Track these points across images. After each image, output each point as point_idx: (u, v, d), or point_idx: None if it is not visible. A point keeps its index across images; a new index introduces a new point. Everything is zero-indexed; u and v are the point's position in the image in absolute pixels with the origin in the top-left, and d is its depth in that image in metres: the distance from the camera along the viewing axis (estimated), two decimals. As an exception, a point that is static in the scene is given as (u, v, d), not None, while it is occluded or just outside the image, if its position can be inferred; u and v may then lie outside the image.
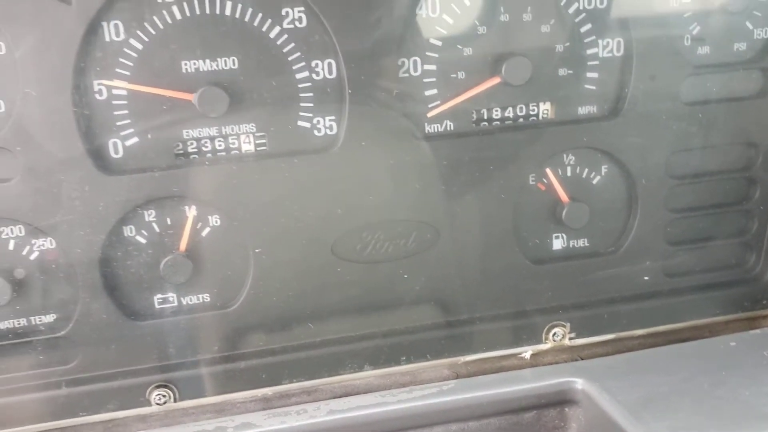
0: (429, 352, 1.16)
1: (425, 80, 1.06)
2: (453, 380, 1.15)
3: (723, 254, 1.25)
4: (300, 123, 1.04)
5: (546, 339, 1.19)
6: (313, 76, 1.02)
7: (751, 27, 1.12)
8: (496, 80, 1.06)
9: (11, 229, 1.01)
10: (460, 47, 1.05)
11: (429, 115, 1.07)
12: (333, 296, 1.11)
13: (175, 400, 1.09)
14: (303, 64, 1.02)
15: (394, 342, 1.15)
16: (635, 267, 1.20)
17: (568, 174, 1.15)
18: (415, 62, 1.04)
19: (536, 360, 1.19)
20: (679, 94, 1.12)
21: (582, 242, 1.18)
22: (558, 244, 1.17)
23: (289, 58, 1.01)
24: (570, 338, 1.19)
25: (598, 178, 1.16)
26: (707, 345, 1.20)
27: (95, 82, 0.96)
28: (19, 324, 1.04)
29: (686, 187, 1.18)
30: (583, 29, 1.07)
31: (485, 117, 1.09)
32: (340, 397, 1.12)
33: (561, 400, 1.13)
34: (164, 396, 1.08)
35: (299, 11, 0.99)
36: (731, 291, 1.25)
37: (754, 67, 1.15)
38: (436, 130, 1.08)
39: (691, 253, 1.22)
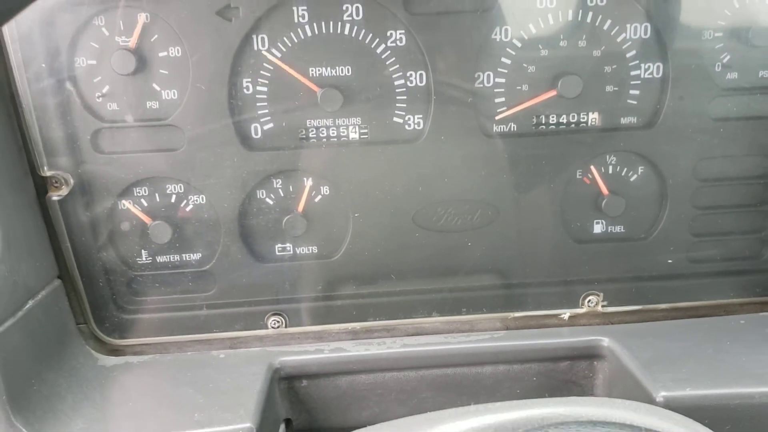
0: (485, 306, 1.41)
1: (495, 90, 1.29)
2: (503, 331, 1.40)
3: (740, 246, 1.42)
4: (395, 119, 1.30)
5: (582, 304, 1.42)
6: (407, 83, 1.28)
7: (775, 58, 1.32)
8: (552, 93, 1.29)
9: (174, 186, 1.31)
10: (525, 65, 1.28)
11: (497, 118, 1.31)
12: (411, 256, 1.38)
13: (285, 326, 1.40)
14: (400, 73, 1.27)
15: (457, 296, 1.40)
16: (662, 252, 1.40)
17: (610, 172, 1.36)
18: (488, 75, 1.28)
19: (573, 321, 1.42)
20: (708, 111, 1.31)
21: (618, 228, 1.39)
22: (598, 228, 1.39)
23: (390, 69, 1.27)
24: (602, 305, 1.42)
25: (634, 176, 1.36)
26: (720, 321, 1.41)
27: (245, 81, 1.27)
28: (175, 258, 1.36)
29: (710, 189, 1.37)
30: (628, 55, 1.28)
31: (543, 122, 1.32)
32: (413, 335, 1.40)
33: (590, 354, 1.36)
34: (278, 322, 1.39)
35: (400, 33, 1.25)
36: (746, 278, 1.43)
37: (778, 91, 1.34)
38: (502, 130, 1.32)
39: (712, 243, 1.41)
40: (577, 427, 0.76)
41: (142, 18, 1.21)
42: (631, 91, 1.31)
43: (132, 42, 1.22)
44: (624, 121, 1.33)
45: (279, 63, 1.25)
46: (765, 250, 1.44)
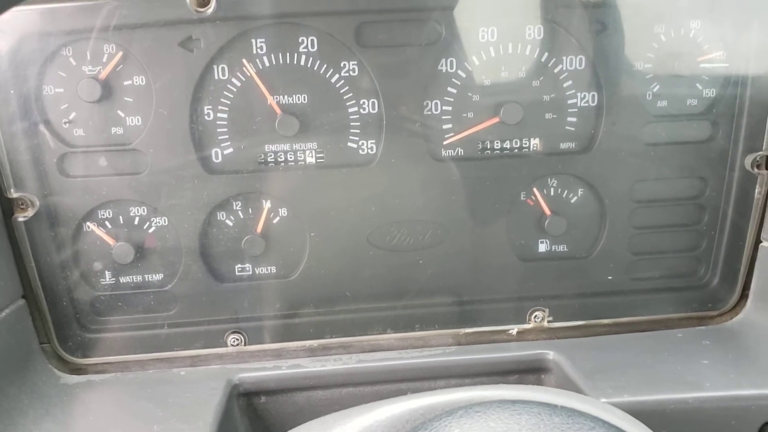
0: (437, 322, 1.47)
1: (443, 117, 1.37)
2: (455, 346, 1.46)
3: (677, 264, 1.51)
4: (349, 144, 1.38)
5: (529, 320, 1.49)
6: (361, 110, 1.36)
7: (701, 87, 1.41)
8: (495, 120, 1.37)
9: (137, 209, 1.37)
10: (470, 94, 1.37)
11: (445, 143, 1.39)
12: (366, 274, 1.44)
13: (245, 344, 1.44)
14: (354, 101, 1.35)
15: (410, 313, 1.46)
16: (603, 270, 1.48)
17: (551, 194, 1.44)
18: (436, 104, 1.37)
19: (521, 336, 1.49)
20: (641, 137, 1.41)
21: (562, 247, 1.47)
22: (543, 247, 1.47)
23: (344, 97, 1.35)
24: (548, 321, 1.49)
25: (575, 198, 1.45)
26: (660, 335, 1.49)
27: (206, 108, 1.33)
28: (138, 279, 1.40)
29: (647, 210, 1.46)
30: (565, 85, 1.38)
31: (488, 147, 1.40)
32: (368, 352, 1.45)
33: (537, 367, 1.42)
34: (237, 340, 1.43)
35: (353, 64, 1.33)
36: (683, 294, 1.52)
37: (704, 119, 1.42)
38: (450, 155, 1.40)
39: (650, 262, 1.49)
40: (499, 406, 0.82)
41: (109, 49, 1.28)
42: (569, 119, 1.40)
43: (103, 74, 1.29)
44: (563, 146, 1.42)
45: (238, 91, 1.33)
46: (700, 267, 1.52)
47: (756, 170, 1.44)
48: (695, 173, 1.46)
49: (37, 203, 1.33)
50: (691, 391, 1.25)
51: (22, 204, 1.33)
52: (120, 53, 1.29)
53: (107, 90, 1.30)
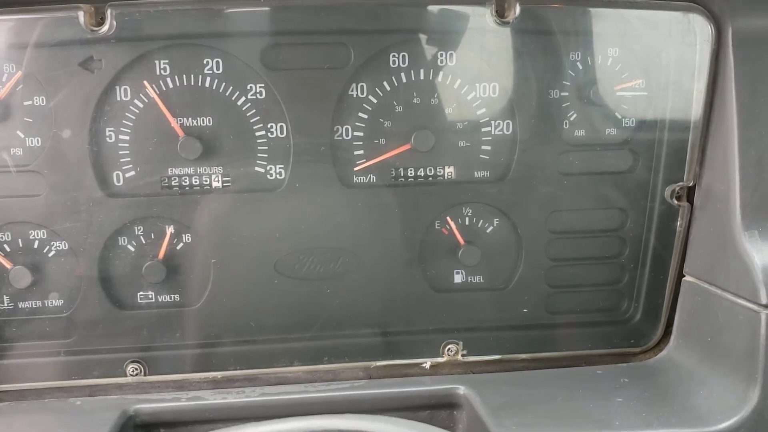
0: (347, 354, 1.42)
1: (354, 143, 1.35)
2: (365, 380, 1.42)
3: (598, 298, 1.47)
4: (257, 168, 1.34)
5: (442, 353, 1.44)
6: (268, 134, 1.33)
7: (620, 116, 1.38)
8: (407, 147, 1.34)
9: (36, 232, 1.33)
10: (381, 120, 1.34)
11: (356, 169, 1.36)
12: (273, 304, 1.39)
13: (145, 374, 1.39)
14: (261, 125, 1.32)
15: (318, 345, 1.42)
16: (520, 302, 1.44)
17: (466, 222, 1.41)
18: (347, 129, 1.34)
19: (436, 370, 1.44)
20: (557, 166, 1.38)
21: (478, 278, 1.43)
22: (458, 278, 1.43)
23: (251, 120, 1.32)
24: (462, 354, 1.44)
25: (490, 227, 1.41)
26: (579, 371, 1.45)
27: (107, 129, 1.30)
28: (35, 304, 1.35)
29: (564, 241, 1.43)
30: (478, 112, 1.35)
31: (401, 174, 1.37)
32: (274, 384, 1.41)
33: (449, 402, 1.37)
34: (137, 369, 1.38)
35: (260, 86, 1.31)
36: (605, 329, 1.48)
37: (623, 149, 1.40)
38: (362, 181, 1.36)
39: (569, 294, 1.46)
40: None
41: (9, 68, 1.25)
42: (483, 147, 1.38)
43: (2, 93, 1.26)
44: (477, 174, 1.39)
45: (140, 113, 1.30)
46: (622, 302, 1.49)
47: (676, 202, 1.41)
48: (615, 204, 1.43)
49: (-70, 224, 1.29)
50: (598, 430, 1.20)
51: None
52: (19, 72, 1.26)
53: (6, 109, 1.27)
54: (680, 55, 1.36)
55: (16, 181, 1.30)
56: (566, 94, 1.37)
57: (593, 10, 1.33)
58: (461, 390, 1.36)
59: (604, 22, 1.35)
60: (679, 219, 1.42)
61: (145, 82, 1.28)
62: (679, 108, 1.38)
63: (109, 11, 1.23)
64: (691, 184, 1.40)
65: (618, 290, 1.48)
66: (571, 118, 1.38)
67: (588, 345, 1.48)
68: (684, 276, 1.43)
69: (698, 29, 1.33)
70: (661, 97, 1.39)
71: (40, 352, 1.37)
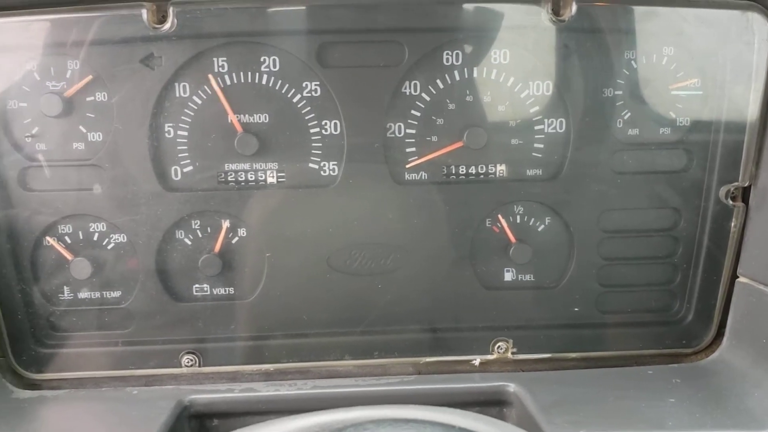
0: (397, 350, 1.43)
1: (406, 140, 1.36)
2: (414, 375, 1.42)
3: (650, 298, 1.46)
4: (311, 165, 1.36)
5: (492, 351, 1.44)
6: (322, 131, 1.35)
7: (674, 116, 1.37)
8: (459, 144, 1.35)
9: (96, 224, 1.37)
10: (434, 118, 1.35)
11: (408, 166, 1.37)
12: (325, 298, 1.41)
13: (199, 365, 1.42)
14: (315, 122, 1.34)
15: (369, 339, 1.43)
16: (571, 301, 1.44)
17: (517, 221, 1.41)
18: (399, 126, 1.35)
19: (485, 368, 1.44)
20: (610, 164, 1.37)
21: (528, 276, 1.43)
22: (509, 276, 1.44)
23: (306, 118, 1.34)
24: (512, 352, 1.44)
25: (541, 226, 1.41)
26: (629, 371, 1.43)
27: (166, 125, 1.33)
28: (94, 295, 1.40)
29: (616, 240, 1.42)
30: (531, 110, 1.35)
31: (453, 171, 1.38)
32: (325, 378, 1.42)
33: (498, 400, 1.37)
34: (191, 360, 1.41)
35: (315, 84, 1.32)
36: (656, 329, 1.47)
37: (678, 148, 1.39)
38: (413, 178, 1.37)
39: (621, 294, 1.45)
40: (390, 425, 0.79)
41: (72, 65, 1.29)
42: (536, 145, 1.37)
43: (67, 90, 1.29)
44: (530, 172, 1.39)
45: (199, 109, 1.32)
46: (674, 302, 1.47)
47: (731, 202, 1.39)
48: (668, 204, 1.42)
49: (-4, 216, 1.33)
50: (650, 429, 1.20)
51: (-20, 216, 1.33)
52: (83, 69, 1.29)
53: (69, 105, 1.30)
54: (737, 54, 1.34)
55: (78, 174, 1.34)
56: (620, 92, 1.36)
57: (649, 9, 1.32)
58: (511, 387, 1.36)
59: (659, 20, 1.33)
60: (733, 219, 1.40)
61: (210, 76, 1.30)
62: (735, 107, 1.37)
63: (171, 9, 1.26)
64: (746, 185, 1.39)
65: (670, 290, 1.46)
66: (625, 117, 1.37)
67: (639, 345, 1.47)
68: (738, 277, 1.41)
69: (757, 28, 1.32)
70: (717, 97, 1.37)
71: (98, 342, 1.41)
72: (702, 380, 1.39)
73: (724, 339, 1.45)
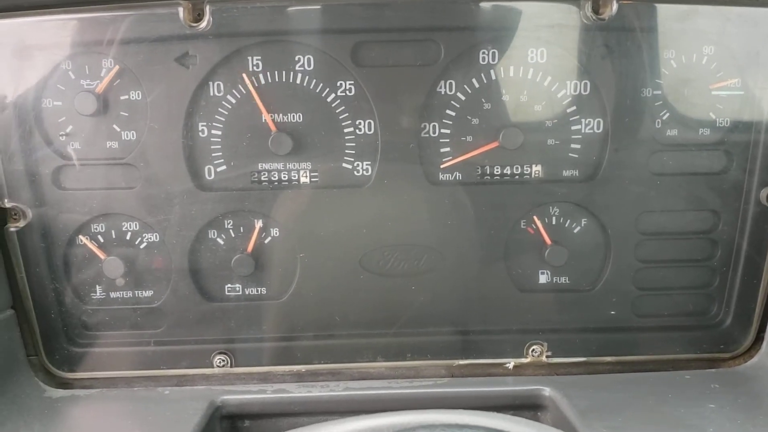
0: (429, 352, 1.42)
1: (441, 140, 1.34)
2: (447, 378, 1.41)
3: (688, 301, 1.43)
4: (344, 165, 1.35)
5: (526, 354, 1.42)
6: (356, 131, 1.34)
7: (714, 116, 1.35)
8: (495, 144, 1.34)
9: (129, 224, 1.37)
10: (469, 117, 1.33)
11: (442, 167, 1.35)
12: (357, 299, 1.40)
13: (231, 366, 1.41)
14: (349, 121, 1.33)
15: (401, 341, 1.42)
16: (607, 304, 1.42)
17: (553, 222, 1.39)
18: (434, 126, 1.34)
19: (519, 371, 1.42)
20: (648, 166, 1.35)
21: (563, 279, 1.41)
22: (543, 278, 1.42)
23: (340, 117, 1.33)
24: (547, 356, 1.42)
25: (577, 228, 1.39)
26: (666, 375, 1.41)
27: (200, 124, 1.33)
28: (126, 294, 1.40)
29: (654, 242, 1.39)
30: (568, 110, 1.33)
31: (488, 172, 1.36)
32: (357, 379, 1.41)
33: (533, 404, 1.36)
34: (223, 361, 1.41)
35: (350, 83, 1.31)
36: (693, 334, 1.44)
37: (717, 149, 1.36)
38: (447, 179, 1.36)
39: (657, 297, 1.42)
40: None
41: (107, 64, 1.29)
42: (573, 145, 1.36)
43: (100, 88, 1.29)
44: (566, 173, 1.37)
45: (233, 108, 1.32)
46: (712, 306, 1.45)
47: (772, 205, 1.37)
48: (707, 206, 1.40)
49: (30, 214, 1.33)
50: (689, 436, 1.18)
51: (15, 214, 1.33)
52: (117, 67, 1.29)
53: (104, 104, 1.30)
54: (778, 52, 1.32)
55: (111, 173, 1.34)
56: (659, 92, 1.34)
57: (691, 8, 1.30)
58: (547, 391, 1.34)
59: (700, 19, 1.31)
60: (773, 222, 1.38)
61: (244, 75, 1.30)
62: (777, 107, 1.34)
63: (207, 8, 1.25)
64: (788, 187, 1.36)
65: (708, 294, 1.44)
66: (664, 118, 1.35)
67: (676, 349, 1.44)
68: (778, 281, 1.39)
69: (800, 27, 1.30)
70: (758, 97, 1.34)
71: (130, 341, 1.41)
72: (741, 386, 1.36)
73: (764, 344, 1.42)
